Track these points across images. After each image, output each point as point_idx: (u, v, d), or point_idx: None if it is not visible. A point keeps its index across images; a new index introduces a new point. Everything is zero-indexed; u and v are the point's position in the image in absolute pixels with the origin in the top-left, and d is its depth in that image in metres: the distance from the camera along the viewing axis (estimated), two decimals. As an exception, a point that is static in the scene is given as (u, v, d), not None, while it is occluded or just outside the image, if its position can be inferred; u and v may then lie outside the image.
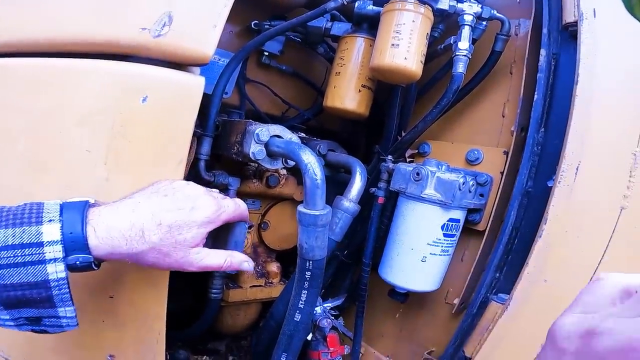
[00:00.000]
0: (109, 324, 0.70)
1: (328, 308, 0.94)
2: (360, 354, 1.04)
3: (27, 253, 0.41)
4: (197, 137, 0.85)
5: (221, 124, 0.91)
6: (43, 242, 0.42)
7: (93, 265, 0.46)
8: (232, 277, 1.03)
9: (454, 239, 0.82)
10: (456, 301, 0.86)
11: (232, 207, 0.59)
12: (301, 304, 0.75)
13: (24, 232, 0.42)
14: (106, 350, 0.73)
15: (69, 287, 0.44)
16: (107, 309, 0.68)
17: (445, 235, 0.79)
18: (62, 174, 0.61)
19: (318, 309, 0.91)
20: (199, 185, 0.58)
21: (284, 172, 1.03)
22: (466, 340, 0.81)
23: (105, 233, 0.46)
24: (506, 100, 0.87)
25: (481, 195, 0.83)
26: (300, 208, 0.69)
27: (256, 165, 0.97)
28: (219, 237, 0.67)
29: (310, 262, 0.72)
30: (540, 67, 0.77)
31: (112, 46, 0.59)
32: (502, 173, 0.83)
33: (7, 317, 0.44)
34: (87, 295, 0.66)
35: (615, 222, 0.69)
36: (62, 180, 0.61)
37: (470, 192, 0.79)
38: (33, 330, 0.48)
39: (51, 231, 0.43)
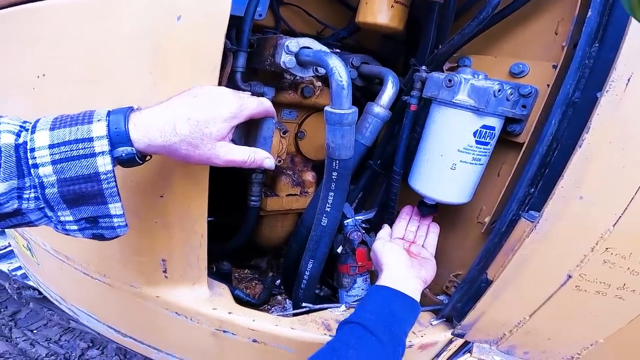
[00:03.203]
0: (160, 225, 0.81)
1: (359, 221, 0.97)
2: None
3: (80, 147, 0.47)
4: (233, 53, 0.90)
5: (256, 41, 0.95)
6: (93, 137, 0.47)
7: (137, 158, 0.51)
8: (270, 186, 1.10)
9: (488, 147, 0.79)
10: (487, 219, 0.85)
11: (255, 103, 0.62)
12: (328, 206, 0.79)
13: (77, 130, 0.48)
14: (159, 255, 0.85)
15: (115, 182, 0.50)
16: (158, 209, 0.79)
17: (477, 142, 0.76)
18: (116, 84, 0.71)
19: (350, 222, 0.95)
20: (226, 87, 0.62)
21: (319, 84, 1.05)
22: (491, 262, 0.80)
23: (144, 128, 0.51)
24: (561, 19, 0.81)
25: (523, 106, 0.78)
26: (327, 108, 0.71)
27: (291, 77, 1.01)
28: (250, 134, 0.72)
29: (337, 162, 0.74)
30: (596, -14, 0.69)
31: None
32: (548, 86, 0.78)
33: (71, 217, 0.50)
34: (142, 196, 0.77)
35: (669, 136, 0.62)
36: (116, 89, 0.71)
37: (508, 100, 0.75)
38: (93, 236, 0.54)
39: (99, 128, 0.48)
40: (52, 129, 0.48)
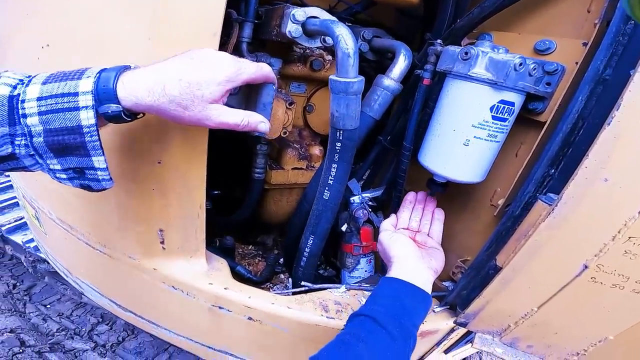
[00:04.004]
0: (157, 192, 0.78)
1: (367, 199, 0.91)
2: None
3: (65, 101, 0.48)
4: (239, 23, 0.86)
5: (264, 13, 0.91)
6: (78, 92, 0.48)
7: (123, 115, 0.52)
8: (275, 159, 1.07)
9: (506, 124, 0.72)
10: (501, 202, 0.78)
11: (253, 68, 0.59)
12: (330, 179, 0.74)
13: (66, 85, 0.49)
14: (156, 225, 0.82)
15: (98, 135, 0.50)
16: (156, 175, 0.76)
17: (494, 118, 0.69)
18: (116, 51, 0.69)
19: (356, 199, 0.90)
20: (225, 52, 0.60)
21: (329, 57, 1.01)
22: (501, 247, 0.73)
23: (131, 87, 0.51)
24: (596, -4, 0.73)
25: (548, 83, 0.71)
26: (332, 76, 0.67)
27: (300, 50, 0.97)
28: (250, 100, 0.69)
29: (341, 132, 0.70)
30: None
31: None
32: (577, 63, 0.71)
33: (59, 166, 0.52)
34: (139, 162, 0.74)
35: None
36: (116, 57, 0.69)
37: (530, 75, 0.67)
38: (81, 186, 0.56)
39: (86, 84, 0.49)
40: (44, 82, 0.50)
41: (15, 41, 0.83)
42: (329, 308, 0.83)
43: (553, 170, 0.68)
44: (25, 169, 0.54)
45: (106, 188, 0.57)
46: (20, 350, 1.57)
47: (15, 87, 0.50)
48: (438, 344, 0.94)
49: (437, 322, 0.86)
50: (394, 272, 0.73)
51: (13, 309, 1.89)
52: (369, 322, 0.64)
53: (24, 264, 1.96)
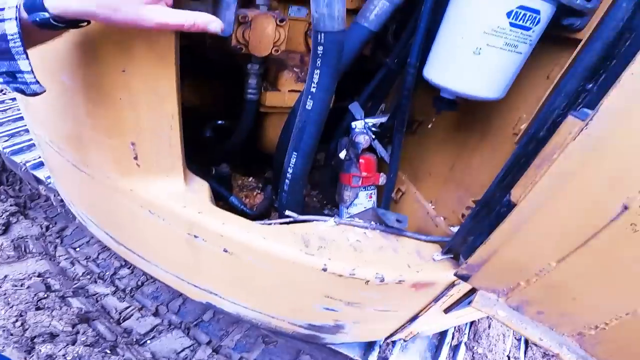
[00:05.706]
0: (125, 102, 0.71)
1: (369, 124, 0.80)
2: (401, 193, 0.90)
3: None
4: None
5: None
6: (5, 7, 0.53)
7: (52, 21, 0.54)
8: (271, 81, 0.98)
9: (529, 33, 0.59)
10: (523, 127, 0.64)
11: None
12: (313, 87, 0.63)
13: None
14: (128, 137, 0.76)
15: (22, 42, 0.54)
16: (121, 84, 0.69)
17: (512, 25, 0.57)
18: None
19: (358, 124, 0.78)
20: None
21: None
22: (518, 178, 0.59)
23: None
24: None
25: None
26: None
27: None
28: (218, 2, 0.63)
29: (322, 35, 0.59)
30: None
31: None
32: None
33: None
34: (103, 71, 0.69)
35: None
36: None
37: (563, -17, 0.53)
38: (16, 90, 0.59)
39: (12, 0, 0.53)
40: None
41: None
42: (310, 243, 0.72)
43: (591, 85, 0.53)
44: None
45: (37, 92, 0.59)
46: (45, 295, 1.56)
47: None
48: (436, 300, 0.81)
49: (434, 272, 0.74)
50: None
51: (44, 252, 1.89)
52: None
53: (53, 202, 1.95)
